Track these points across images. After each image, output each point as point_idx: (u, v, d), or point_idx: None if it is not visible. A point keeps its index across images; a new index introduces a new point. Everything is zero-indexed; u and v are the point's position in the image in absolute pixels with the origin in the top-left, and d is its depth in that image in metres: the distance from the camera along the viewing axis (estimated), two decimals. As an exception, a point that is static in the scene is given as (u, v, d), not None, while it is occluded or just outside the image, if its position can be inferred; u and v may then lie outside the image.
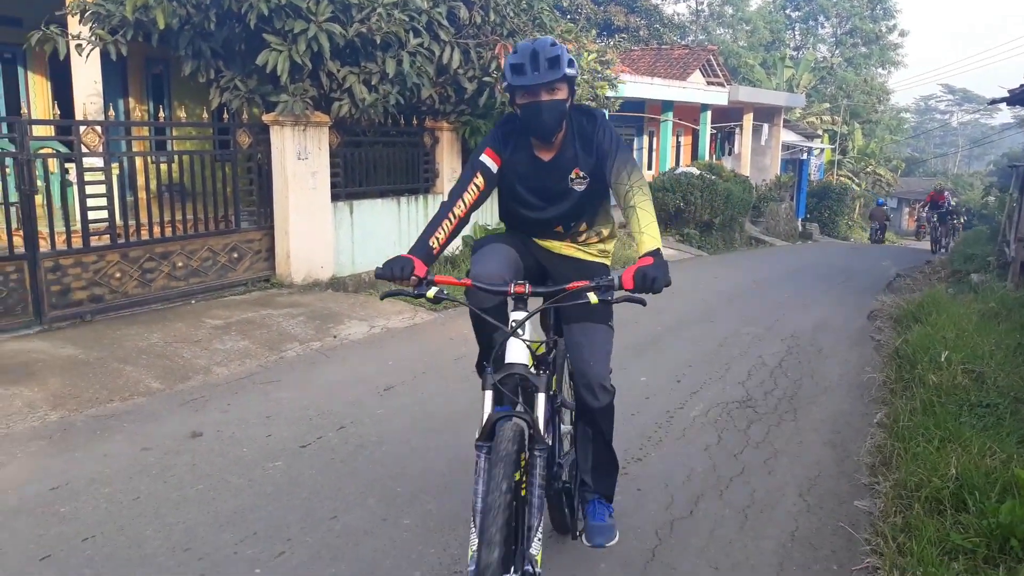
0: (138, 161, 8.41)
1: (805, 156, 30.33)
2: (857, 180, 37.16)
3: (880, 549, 3.58)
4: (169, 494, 4.01)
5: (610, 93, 13.45)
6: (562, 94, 2.90)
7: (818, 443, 5.14)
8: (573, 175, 3.09)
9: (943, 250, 21.69)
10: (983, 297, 9.04)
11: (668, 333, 8.12)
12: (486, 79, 9.89)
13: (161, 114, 9.25)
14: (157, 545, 3.48)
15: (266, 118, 8.60)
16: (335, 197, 9.21)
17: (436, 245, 2.94)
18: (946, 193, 24.05)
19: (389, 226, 9.98)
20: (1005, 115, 53.00)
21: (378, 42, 8.68)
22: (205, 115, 8.60)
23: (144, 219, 7.64)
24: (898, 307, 9.04)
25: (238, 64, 8.71)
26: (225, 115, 9.03)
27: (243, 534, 3.59)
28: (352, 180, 9.62)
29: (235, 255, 8.49)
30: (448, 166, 10.82)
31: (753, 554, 3.65)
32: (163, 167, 8.46)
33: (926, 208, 24.37)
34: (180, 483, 4.14)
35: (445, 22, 9.39)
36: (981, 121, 67.45)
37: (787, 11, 51.23)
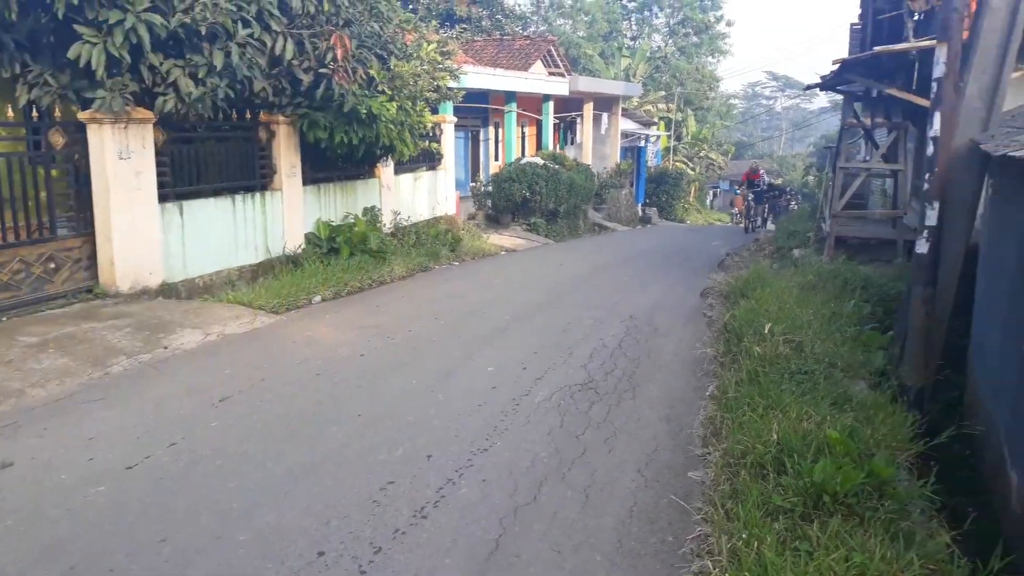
0: (-68, 166, 7.63)
1: (643, 143, 31.54)
2: (691, 165, 39.06)
3: (710, 517, 3.78)
4: (-26, 532, 3.66)
5: (452, 84, 13.41)
6: None
7: (655, 419, 5.36)
8: None
9: (760, 228, 22.15)
10: (802, 271, 9.72)
11: (515, 321, 8.23)
12: (322, 70, 9.61)
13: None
14: (-41, 589, 3.18)
15: (82, 116, 7.98)
16: (163, 198, 8.69)
17: None
18: (761, 171, 23.80)
19: (224, 226, 9.54)
20: (822, 100, 57.29)
21: (204, 33, 8.24)
22: (11, 113, 7.89)
23: (-59, 230, 6.93)
24: (727, 284, 9.57)
25: (47, 57, 8.02)
26: (35, 113, 8.32)
27: (60, 569, 3.34)
28: (182, 179, 9.11)
29: (52, 265, 7.85)
30: (286, 161, 10.47)
31: (594, 533, 3.77)
32: (-37, 172, 7.69)
33: (742, 187, 24.25)
34: (-12, 518, 3.79)
35: (276, 12, 9.04)
36: (802, 106, 72.46)
37: (623, 2, 52.96)
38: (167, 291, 8.52)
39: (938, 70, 6.33)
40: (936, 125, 6.33)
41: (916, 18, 11.73)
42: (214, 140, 9.63)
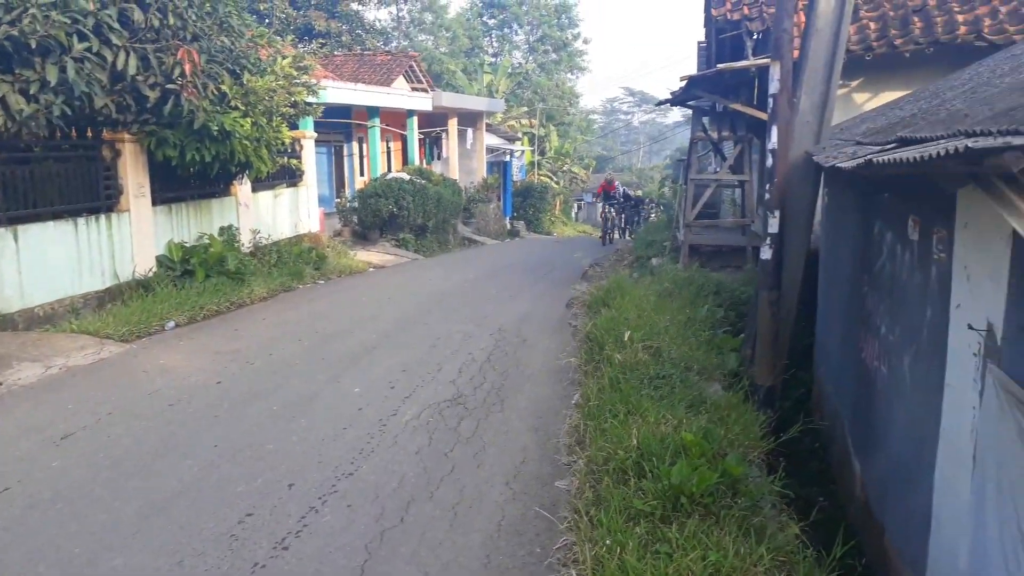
0: None
1: (508, 158, 31.99)
2: (556, 178, 39.93)
3: (575, 525, 3.84)
4: None
5: (311, 99, 13.13)
6: None
7: (523, 430, 5.41)
8: None
9: (618, 239, 22.24)
10: (659, 279, 10.11)
11: (383, 340, 8.12)
12: (170, 86, 9.19)
13: None
14: None
15: None
16: (-6, 222, 8.06)
17: None
18: (616, 183, 23.44)
19: (66, 251, 8.92)
20: (677, 114, 59.91)
21: (34, 47, 7.71)
22: None
23: None
24: (590, 294, 9.81)
25: None
26: None
27: None
28: (16, 202, 8.45)
29: None
30: (134, 180, 9.92)
31: (463, 551, 3.75)
32: None
33: (598, 199, 24.39)
34: None
35: (117, 25, 8.58)
36: (658, 120, 75.64)
37: (484, 19, 53.70)
38: (2, 323, 7.87)
39: (773, 87, 6.75)
40: (774, 138, 6.74)
41: (755, 37, 12.49)
42: (52, 160, 9.01)
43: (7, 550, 3.67)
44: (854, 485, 5.14)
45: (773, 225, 6.76)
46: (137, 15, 8.86)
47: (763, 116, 10.16)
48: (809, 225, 6.95)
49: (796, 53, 7.38)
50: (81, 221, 9.19)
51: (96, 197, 9.56)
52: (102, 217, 9.50)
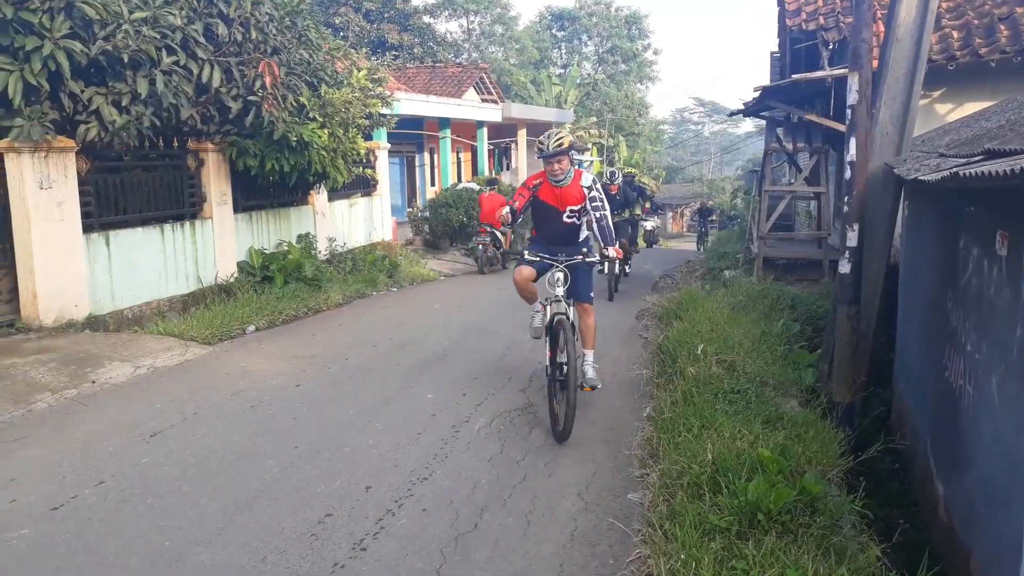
0: None
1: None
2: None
3: (649, 538, 3.82)
4: None
5: (385, 111, 13.41)
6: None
7: (594, 441, 5.41)
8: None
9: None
10: (733, 291, 9.96)
11: (454, 347, 8.21)
12: (251, 98, 9.52)
13: None
14: None
15: (-1, 145, 7.73)
16: (88, 228, 8.44)
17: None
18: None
19: (153, 256, 9.31)
20: (748, 124, 59.05)
21: (127, 60, 8.08)
22: (-77, 144, 7.58)
23: None
24: (661, 306, 9.74)
25: (-40, 86, 7.76)
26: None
27: (-20, 618, 3.19)
28: (108, 209, 8.87)
29: (-31, 299, 7.55)
30: (216, 188, 10.29)
31: (536, 559, 3.77)
32: None
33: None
34: (-100, 569, 3.59)
35: (202, 39, 8.94)
36: (729, 130, 74.58)
37: (553, 31, 53.91)
38: (94, 324, 8.25)
39: (851, 97, 6.61)
40: (852, 150, 6.60)
41: (831, 47, 12.25)
42: (141, 169, 9.42)
43: (103, 541, 3.84)
44: (937, 507, 4.97)
45: (852, 238, 6.62)
46: (221, 29, 9.20)
47: (840, 127, 9.98)
48: (889, 238, 6.78)
49: (875, 63, 7.23)
50: (167, 227, 9.57)
51: (181, 204, 9.95)
52: (187, 224, 9.87)
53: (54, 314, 7.98)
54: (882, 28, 8.70)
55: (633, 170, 27.34)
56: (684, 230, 50.89)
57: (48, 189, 7.93)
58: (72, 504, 4.26)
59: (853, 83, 6.62)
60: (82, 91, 7.99)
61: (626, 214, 12.86)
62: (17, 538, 3.87)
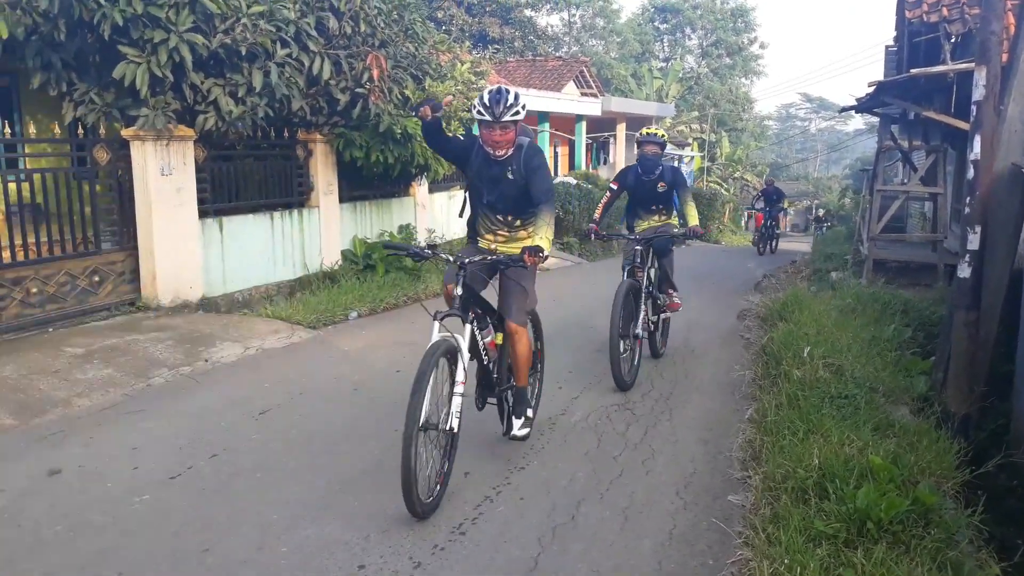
0: (-18, 180, 7.83)
1: (677, 163, 31.50)
2: (726, 186, 38.87)
3: (751, 541, 3.73)
4: (23, 538, 3.73)
5: (486, 104, 13.54)
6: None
7: (693, 441, 5.32)
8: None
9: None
10: (841, 294, 9.60)
11: (550, 340, 8.14)
12: (359, 90, 9.76)
13: (7, 130, 8.62)
14: (8, 595, 3.24)
15: (126, 133, 8.17)
16: (203, 214, 8.85)
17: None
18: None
19: (262, 242, 9.67)
20: (858, 122, 56.90)
21: (244, 53, 8.41)
22: (58, 130, 8.09)
23: (-9, 243, 7.10)
24: (765, 306, 9.48)
25: (93, 76, 8.24)
26: (80, 130, 8.52)
27: (106, 576, 3.39)
28: (221, 195, 9.27)
29: (96, 278, 8.02)
30: (323, 179, 10.60)
31: (633, 554, 3.73)
32: (12, 186, 7.89)
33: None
34: (36, 526, 3.85)
35: (314, 32, 9.22)
36: (837, 127, 71.90)
37: (655, 23, 53.11)
38: (207, 305, 8.64)
39: (977, 93, 6.26)
40: (976, 148, 6.26)
41: (953, 40, 11.63)
42: (253, 158, 9.80)
43: (216, 509, 4.03)
44: (1061, 529, 4.68)
45: (973, 241, 6.28)
46: (332, 23, 9.46)
47: (961, 125, 9.48)
48: (1014, 242, 6.39)
49: (1004, 57, 6.82)
50: (276, 215, 9.93)
51: (290, 193, 10.30)
52: (295, 212, 10.22)
53: (171, 295, 8.39)
54: (1013, 20, 8.22)
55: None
56: (787, 229, 49.38)
57: (169, 176, 8.34)
58: (188, 474, 4.48)
59: (980, 78, 6.27)
60: (202, 82, 8.36)
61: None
62: (139, 503, 4.10)
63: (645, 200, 7.34)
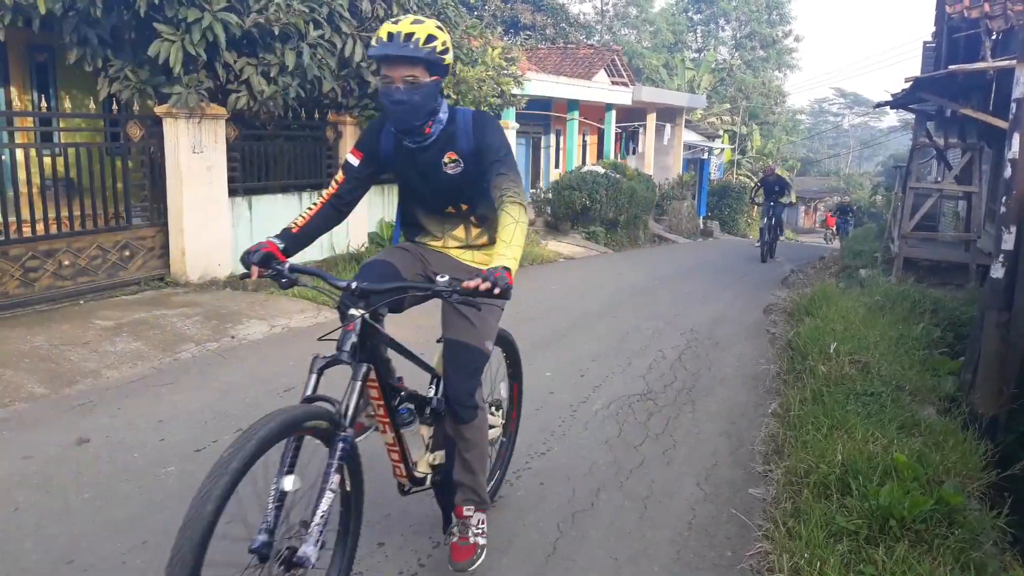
0: (19, 153, 7.97)
1: (706, 156, 31.23)
2: (756, 179, 38.51)
3: (771, 534, 3.71)
4: (52, 504, 3.80)
5: (516, 90, 13.49)
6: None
7: (715, 433, 5.29)
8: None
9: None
10: (869, 291, 9.50)
11: (573, 328, 8.21)
12: (390, 73, 9.77)
13: (44, 104, 8.75)
14: (37, 559, 3.30)
15: (159, 110, 8.26)
16: (233, 192, 8.93)
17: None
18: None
19: (290, 221, 9.73)
20: (892, 118, 56.03)
21: (277, 33, 8.46)
22: (93, 106, 8.19)
23: (26, 215, 7.23)
24: (791, 301, 9.41)
25: (128, 53, 8.33)
26: (115, 106, 8.62)
27: (132, 543, 3.44)
28: (251, 175, 9.35)
29: (127, 253, 8.13)
30: (352, 162, 10.65)
31: (651, 543, 3.73)
32: (47, 160, 8.01)
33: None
34: (64, 492, 3.92)
35: (347, 14, 9.25)
36: (870, 124, 70.92)
37: (689, 14, 52.62)
38: (234, 283, 8.73)
39: (1018, 90, 6.15)
40: (1015, 147, 6.15)
41: (994, 37, 11.40)
42: (283, 138, 9.87)
43: (240, 484, 4.06)
44: (1088, 535, 4.61)
45: (1008, 241, 6.17)
46: (365, 5, 9.48)
47: (1000, 123, 9.30)
48: (1051, 243, 6.28)
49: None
50: (305, 195, 9.99)
51: (319, 174, 10.36)
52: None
53: (199, 271, 8.49)
54: (1057, 16, 8.04)
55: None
56: (817, 225, 48.86)
57: (200, 153, 8.42)
58: (213, 447, 4.52)
59: (1021, 75, 6.15)
60: (235, 62, 8.43)
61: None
62: (165, 474, 4.16)
63: None
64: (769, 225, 16.59)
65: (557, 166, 23.35)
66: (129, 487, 3.99)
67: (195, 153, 8.38)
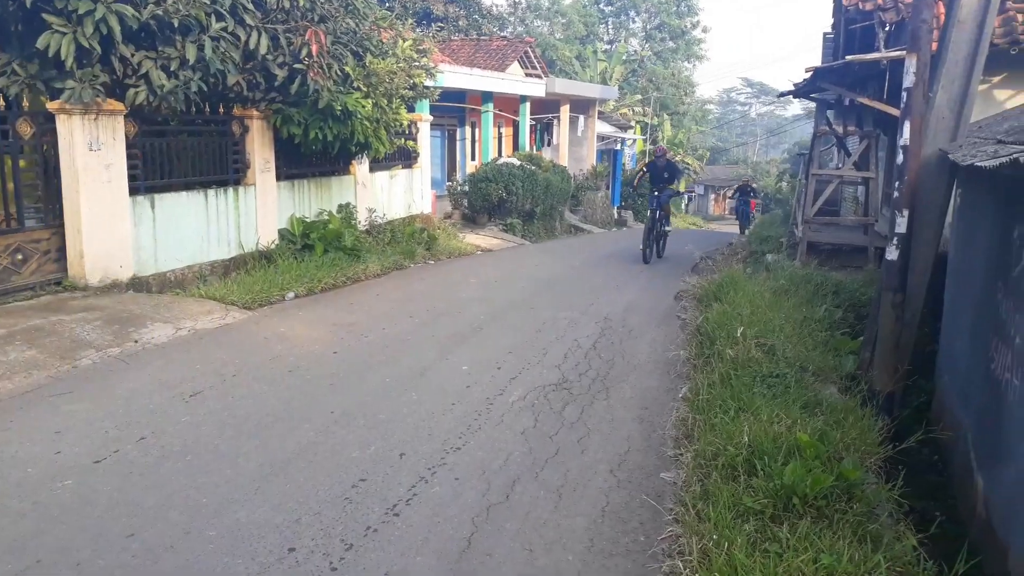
0: None
1: (619, 146, 31.67)
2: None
3: (681, 517, 3.80)
4: (-64, 526, 3.58)
5: (429, 82, 13.37)
6: None
7: (628, 420, 5.38)
8: None
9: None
10: (775, 275, 9.81)
11: (490, 321, 8.22)
12: (297, 66, 9.54)
13: (-78, 101, 8.20)
14: (-82, 585, 3.11)
15: (51, 106, 7.84)
16: (134, 191, 8.57)
17: None
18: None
19: (196, 220, 9.42)
20: (796, 107, 57.88)
21: (176, 25, 8.14)
22: (-24, 102, 7.74)
23: (-96, 219, 6.78)
24: (701, 287, 9.63)
25: (15, 46, 7.88)
26: (2, 102, 8.16)
27: (24, 564, 3.28)
28: (153, 172, 8.99)
29: (19, 257, 7.71)
30: (260, 156, 10.36)
31: (566, 532, 3.77)
32: (-73, 160, 7.54)
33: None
34: (-51, 512, 3.71)
35: (251, 6, 8.96)
36: (777, 112, 73.21)
37: (600, 5, 53.19)
38: (137, 285, 8.40)
39: (908, 80, 6.42)
40: (906, 134, 6.42)
41: (887, 28, 11.90)
42: (186, 133, 9.52)
43: (143, 494, 3.93)
44: (976, 501, 4.87)
45: (901, 225, 6.46)
46: (270, -3, 9.21)
47: (893, 111, 9.71)
48: (939, 226, 6.60)
49: (934, 46, 7.00)
50: (211, 193, 9.68)
51: (225, 170, 10.04)
52: (230, 190, 9.97)
53: (99, 274, 8.13)
54: (943, 9, 8.42)
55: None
56: (726, 212, 50.21)
57: (97, 151, 8.05)
58: (114, 458, 4.35)
59: (910, 65, 6.42)
60: (132, 55, 8.07)
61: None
62: (62, 488, 3.97)
63: None
64: (654, 218, 13.95)
65: (473, 158, 23.30)
66: (21, 504, 3.79)
67: (92, 151, 8.01)
